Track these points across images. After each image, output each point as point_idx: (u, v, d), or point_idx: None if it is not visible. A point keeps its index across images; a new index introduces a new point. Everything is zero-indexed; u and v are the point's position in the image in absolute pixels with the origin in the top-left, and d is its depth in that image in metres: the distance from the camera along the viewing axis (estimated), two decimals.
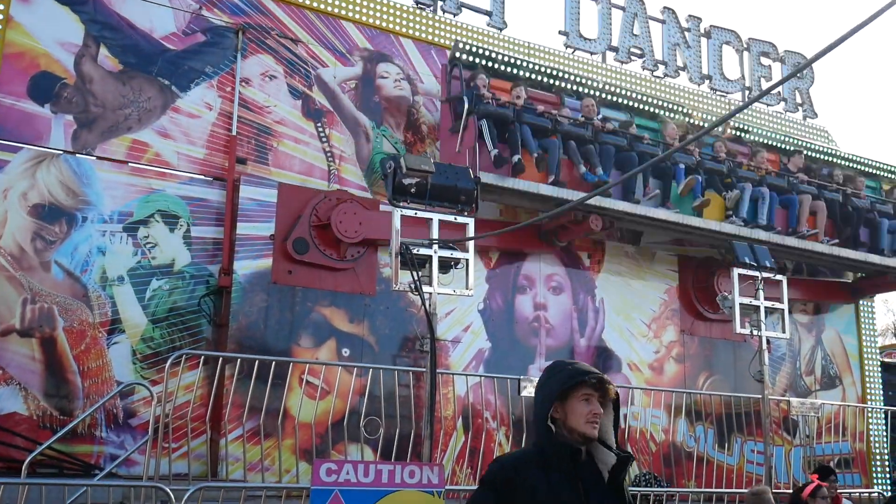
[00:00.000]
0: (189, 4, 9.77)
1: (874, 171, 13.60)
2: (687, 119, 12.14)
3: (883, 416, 13.39)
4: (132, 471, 8.22)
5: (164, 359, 8.42)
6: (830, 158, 13.17)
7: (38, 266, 8.51)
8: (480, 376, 9.75)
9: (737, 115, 12.51)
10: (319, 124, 10.37)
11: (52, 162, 8.74)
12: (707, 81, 13.51)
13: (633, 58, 12.83)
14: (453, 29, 11.49)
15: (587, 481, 3.00)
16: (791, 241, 11.75)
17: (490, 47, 10.96)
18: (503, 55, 10.81)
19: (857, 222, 12.54)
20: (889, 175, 13.73)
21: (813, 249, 12.07)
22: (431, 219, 6.98)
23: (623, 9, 12.87)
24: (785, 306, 9.43)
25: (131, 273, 8.95)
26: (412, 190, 6.80)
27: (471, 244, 7.23)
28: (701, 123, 12.09)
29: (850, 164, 13.34)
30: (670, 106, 12.13)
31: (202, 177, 9.51)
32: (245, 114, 9.88)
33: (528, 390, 8.46)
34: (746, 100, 13.54)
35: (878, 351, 14.54)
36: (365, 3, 10.85)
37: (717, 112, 13.40)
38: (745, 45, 14.10)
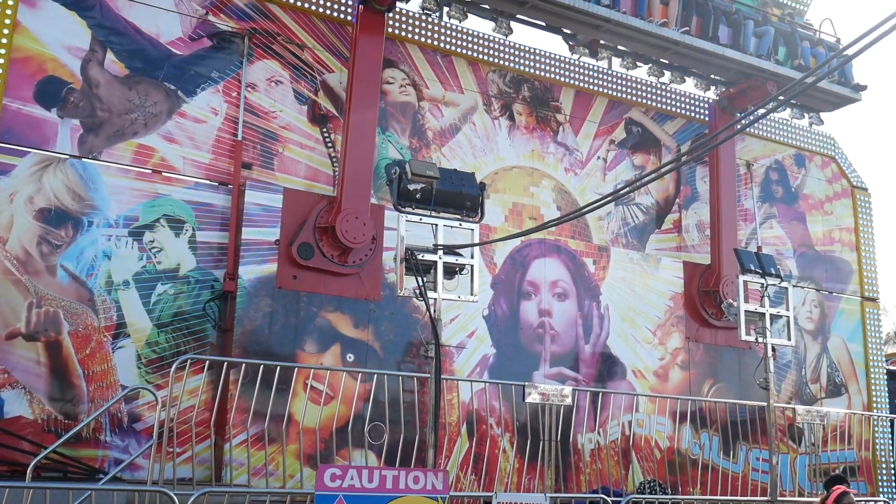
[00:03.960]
0: (195, 10, 9.80)
1: None
2: None
3: (889, 424, 13.34)
4: (136, 475, 8.23)
5: (168, 363, 8.45)
6: None
7: (43, 270, 8.53)
8: (485, 382, 9.74)
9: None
10: (325, 129, 10.39)
11: (58, 166, 8.77)
12: (713, 88, 13.50)
13: (638, 64, 12.80)
14: (458, 35, 11.50)
15: None
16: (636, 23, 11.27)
17: None
18: None
19: (716, 17, 11.98)
20: None
21: (657, 33, 11.49)
22: (437, 224, 6.99)
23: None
24: (791, 313, 9.41)
25: (136, 277, 8.97)
26: (417, 196, 6.82)
27: (476, 250, 7.23)
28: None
29: None
30: None
31: (208, 181, 9.53)
32: (251, 119, 9.90)
33: (533, 397, 8.45)
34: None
35: (884, 359, 14.48)
36: None
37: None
38: None
